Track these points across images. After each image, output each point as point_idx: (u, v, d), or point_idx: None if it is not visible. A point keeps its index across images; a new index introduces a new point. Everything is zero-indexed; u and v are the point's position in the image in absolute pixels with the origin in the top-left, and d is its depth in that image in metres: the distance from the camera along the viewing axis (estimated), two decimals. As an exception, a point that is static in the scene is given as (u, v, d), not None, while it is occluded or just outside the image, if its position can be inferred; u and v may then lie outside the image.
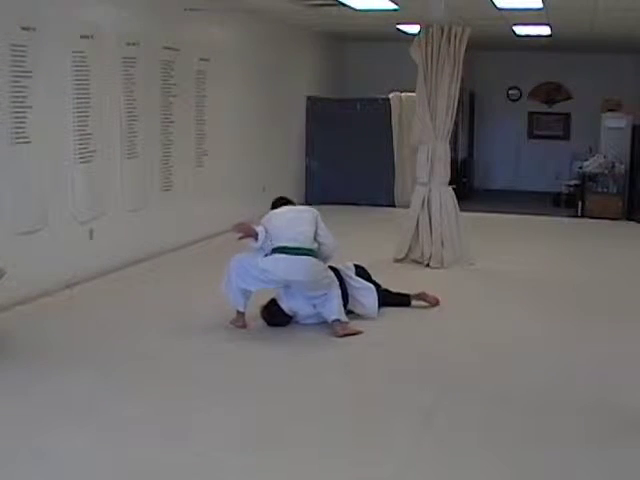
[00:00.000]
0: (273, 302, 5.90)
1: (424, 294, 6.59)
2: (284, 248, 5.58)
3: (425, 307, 6.50)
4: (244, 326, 5.81)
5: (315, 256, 5.70)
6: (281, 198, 6.22)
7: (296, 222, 5.75)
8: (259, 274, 5.64)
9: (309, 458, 3.79)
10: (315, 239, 5.75)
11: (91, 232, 7.19)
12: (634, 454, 3.93)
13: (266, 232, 5.63)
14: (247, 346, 5.46)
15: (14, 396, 4.49)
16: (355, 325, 5.81)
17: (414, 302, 6.53)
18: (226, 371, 4.98)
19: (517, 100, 15.46)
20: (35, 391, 4.55)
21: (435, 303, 6.54)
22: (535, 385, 4.86)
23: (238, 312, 5.82)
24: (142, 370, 4.95)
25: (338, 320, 5.71)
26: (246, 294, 5.77)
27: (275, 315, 5.88)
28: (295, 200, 6.60)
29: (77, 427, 4.07)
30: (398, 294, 6.51)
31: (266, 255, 5.64)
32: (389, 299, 6.40)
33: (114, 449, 3.83)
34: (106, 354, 5.24)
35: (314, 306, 5.81)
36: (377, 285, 6.30)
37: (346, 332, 5.69)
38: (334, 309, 5.72)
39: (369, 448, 3.90)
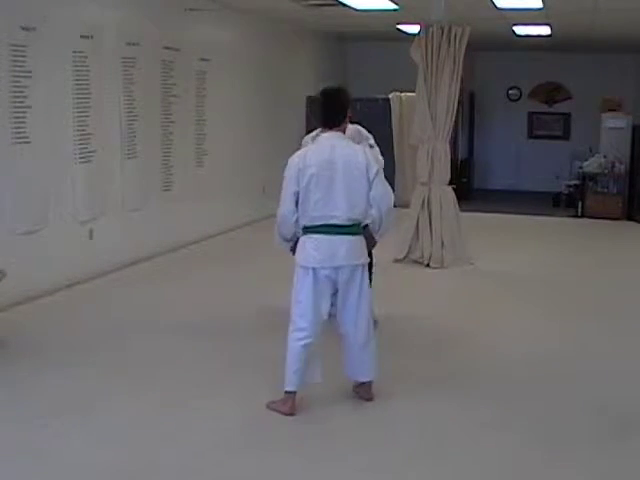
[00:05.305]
0: None
1: None
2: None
3: (425, 307, 6.49)
4: None
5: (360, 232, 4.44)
6: (333, 100, 4.41)
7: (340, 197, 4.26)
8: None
9: (310, 458, 3.79)
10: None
11: (91, 232, 7.20)
12: (633, 454, 3.93)
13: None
14: (248, 345, 5.46)
15: (14, 396, 4.50)
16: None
17: None
18: (226, 370, 4.97)
19: (517, 100, 15.46)
20: (35, 391, 4.55)
21: None
22: (535, 384, 4.86)
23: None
24: (142, 370, 4.95)
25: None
26: None
27: None
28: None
29: (77, 427, 4.07)
30: None
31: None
32: None
33: (114, 449, 3.83)
34: (106, 354, 5.24)
35: None
36: None
37: None
38: None
39: (370, 448, 3.90)
